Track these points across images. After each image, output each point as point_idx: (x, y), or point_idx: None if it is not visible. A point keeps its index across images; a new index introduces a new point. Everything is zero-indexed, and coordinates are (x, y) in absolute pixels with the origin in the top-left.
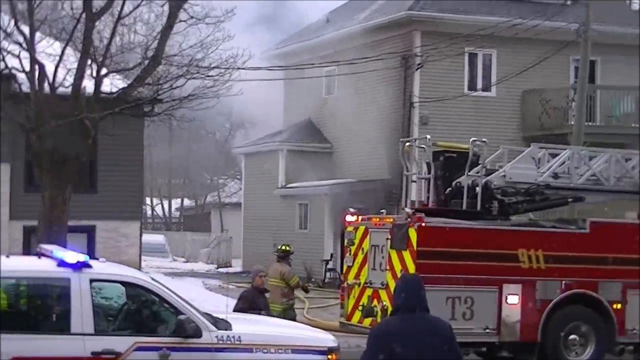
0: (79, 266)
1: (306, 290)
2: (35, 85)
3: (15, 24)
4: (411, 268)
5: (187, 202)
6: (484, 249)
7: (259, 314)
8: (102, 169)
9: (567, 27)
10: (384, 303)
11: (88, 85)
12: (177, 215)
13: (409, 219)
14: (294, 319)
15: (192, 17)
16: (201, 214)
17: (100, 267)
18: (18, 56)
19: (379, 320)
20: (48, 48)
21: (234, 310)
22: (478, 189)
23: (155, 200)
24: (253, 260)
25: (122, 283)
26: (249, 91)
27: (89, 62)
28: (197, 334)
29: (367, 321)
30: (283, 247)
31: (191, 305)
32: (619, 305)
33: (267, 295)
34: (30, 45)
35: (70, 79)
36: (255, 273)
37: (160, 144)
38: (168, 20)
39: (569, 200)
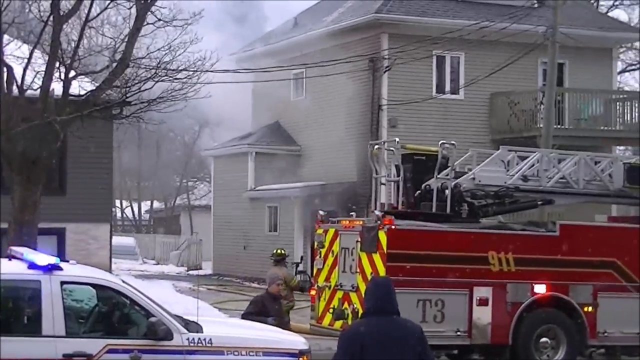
0: (50, 268)
1: (303, 290)
2: (3, 87)
3: None
4: (381, 271)
5: (156, 204)
6: (454, 251)
7: (265, 320)
8: (72, 172)
9: (535, 30)
10: (355, 305)
11: (56, 87)
12: (146, 218)
13: (378, 222)
14: (287, 324)
15: (159, 20)
16: (171, 217)
17: (71, 270)
18: None
19: (349, 322)
20: (16, 50)
21: (243, 314)
22: (447, 192)
23: (124, 203)
24: (223, 263)
25: (93, 285)
26: (218, 93)
27: (57, 64)
28: (168, 336)
29: (338, 324)
30: (278, 251)
31: (162, 308)
32: (590, 308)
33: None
34: None
35: (38, 82)
36: (272, 280)
37: (129, 146)
38: (135, 22)
39: (539, 203)
